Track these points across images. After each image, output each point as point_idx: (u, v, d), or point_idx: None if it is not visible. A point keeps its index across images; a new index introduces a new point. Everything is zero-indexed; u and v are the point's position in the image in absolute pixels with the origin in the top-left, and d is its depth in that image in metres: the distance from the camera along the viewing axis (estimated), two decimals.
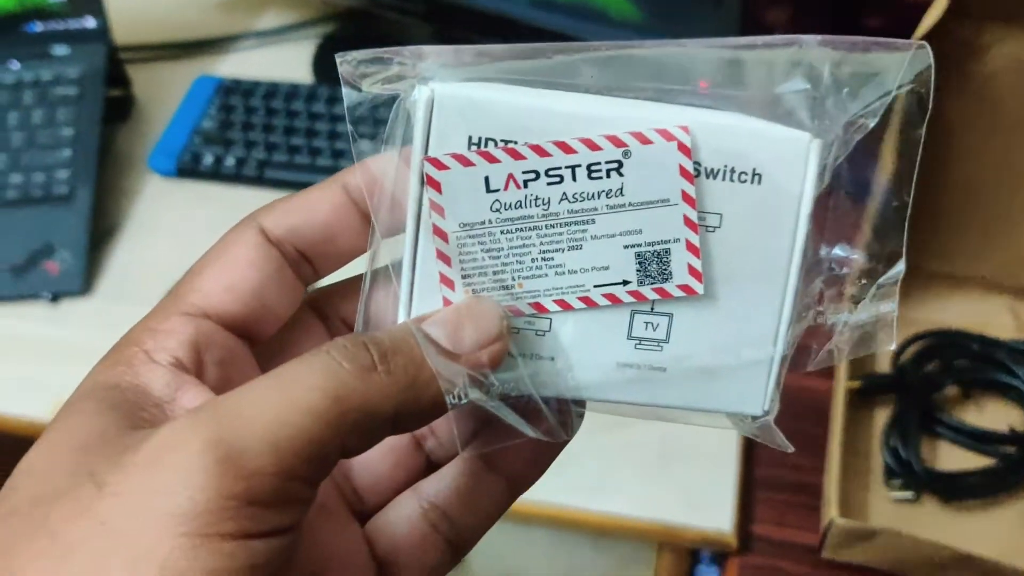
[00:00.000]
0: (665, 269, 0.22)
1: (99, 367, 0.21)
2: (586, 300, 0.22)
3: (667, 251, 0.22)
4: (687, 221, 0.22)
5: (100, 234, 0.73)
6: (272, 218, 0.22)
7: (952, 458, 0.56)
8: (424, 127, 0.21)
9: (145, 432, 0.18)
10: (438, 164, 0.21)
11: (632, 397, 0.23)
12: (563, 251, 0.22)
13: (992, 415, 0.57)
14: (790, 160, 0.22)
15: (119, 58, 0.81)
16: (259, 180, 0.75)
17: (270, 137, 0.75)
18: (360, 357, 0.19)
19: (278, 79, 0.82)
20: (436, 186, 0.21)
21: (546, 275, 0.22)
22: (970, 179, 0.54)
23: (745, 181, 0.22)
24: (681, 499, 0.55)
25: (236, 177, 0.75)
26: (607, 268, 0.22)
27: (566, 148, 0.21)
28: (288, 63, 0.86)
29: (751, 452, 0.58)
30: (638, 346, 0.23)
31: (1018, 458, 0.53)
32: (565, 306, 0.22)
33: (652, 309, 0.23)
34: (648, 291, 0.22)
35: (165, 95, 0.84)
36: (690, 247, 0.22)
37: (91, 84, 0.75)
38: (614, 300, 0.22)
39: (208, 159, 0.73)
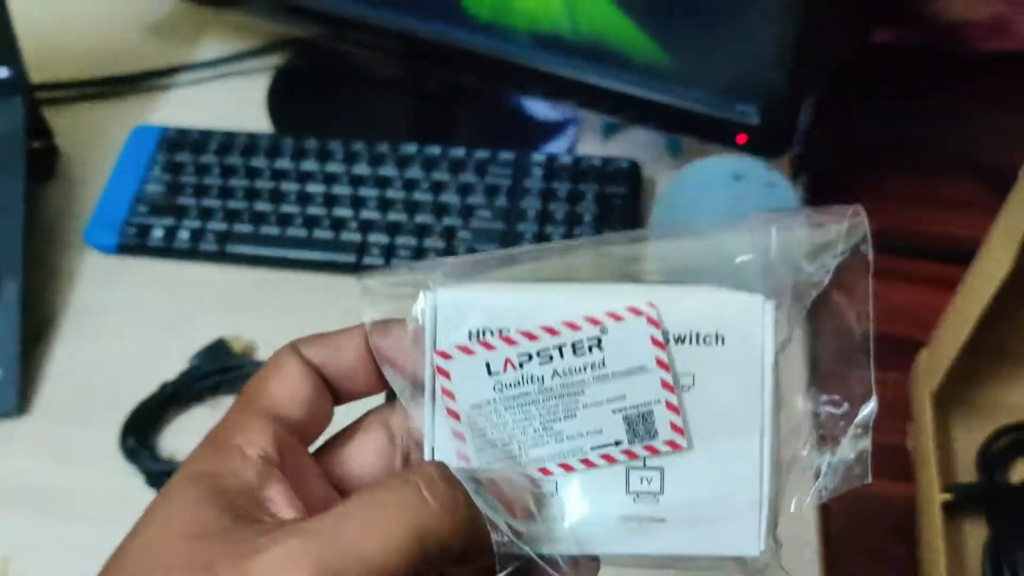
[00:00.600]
0: (651, 428, 0.26)
1: (193, 458, 0.26)
2: (586, 462, 0.26)
3: (650, 412, 0.26)
4: (664, 384, 0.26)
5: (33, 333, 0.67)
6: (310, 349, 0.27)
7: None
8: (431, 327, 0.26)
9: (259, 537, 0.23)
10: (445, 355, 0.26)
11: (639, 548, 0.26)
12: (560, 420, 0.26)
13: None
14: (748, 321, 0.26)
15: (37, 101, 0.67)
16: (220, 256, 0.71)
17: (229, 203, 0.73)
18: (446, 496, 0.23)
19: (230, 125, 0.78)
20: (446, 374, 0.26)
21: (548, 443, 0.26)
22: None
23: (711, 344, 0.26)
24: None
25: (192, 253, 0.72)
26: (600, 431, 0.26)
27: (551, 331, 0.26)
28: (237, 102, 0.76)
29: None
30: (636, 500, 0.26)
31: None
32: (568, 468, 0.26)
33: (644, 465, 0.26)
34: (639, 449, 0.26)
35: (95, 144, 0.74)
36: (670, 407, 0.26)
37: (9, 147, 0.62)
38: (610, 460, 0.26)
39: (157, 232, 0.65)
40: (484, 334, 0.26)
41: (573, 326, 0.26)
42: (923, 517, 0.55)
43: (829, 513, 0.58)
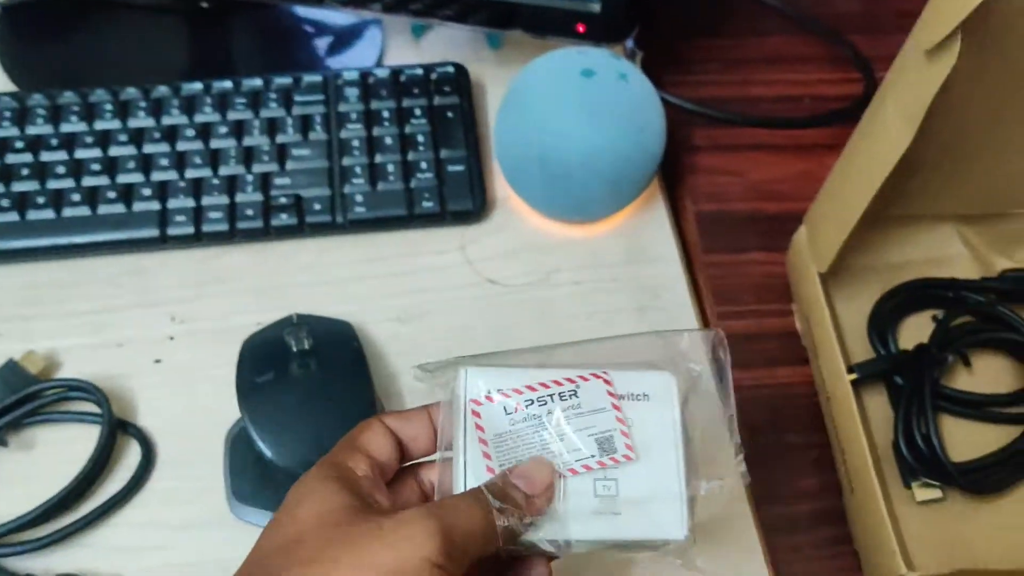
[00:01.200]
0: (612, 446, 0.38)
1: (318, 470, 0.37)
2: (572, 470, 0.38)
3: (611, 436, 0.38)
4: (618, 419, 0.39)
5: None
6: (389, 419, 0.39)
7: (960, 436, 0.54)
8: (463, 388, 0.39)
9: (393, 514, 0.34)
10: (477, 402, 0.39)
11: (603, 534, 0.37)
12: (554, 442, 0.38)
13: (983, 374, 0.56)
14: (663, 387, 0.40)
15: None
16: None
17: None
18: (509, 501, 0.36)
19: None
20: (478, 415, 0.38)
21: (551, 457, 0.38)
22: (956, 128, 0.51)
23: (640, 399, 0.39)
24: None
25: None
26: (580, 449, 0.38)
27: (545, 385, 0.39)
28: None
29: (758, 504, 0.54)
30: (601, 500, 0.38)
31: None
32: (559, 476, 0.38)
33: (606, 476, 0.38)
34: (607, 460, 0.38)
35: None
36: (623, 433, 0.38)
37: None
38: (588, 468, 0.38)
39: None
40: (500, 391, 0.39)
41: (558, 383, 0.39)
42: (832, 401, 0.53)
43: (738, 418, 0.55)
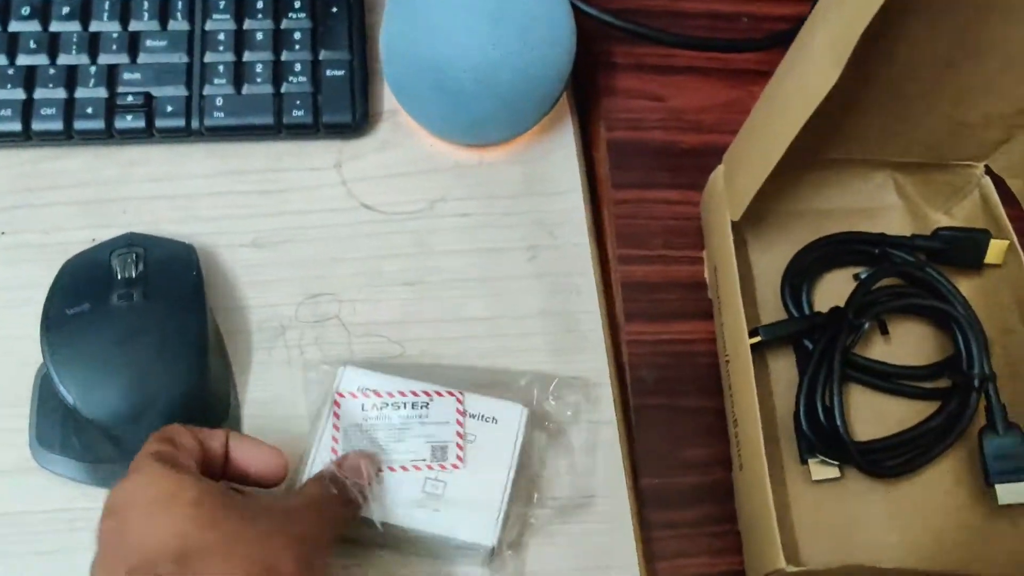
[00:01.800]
0: (444, 454, 0.43)
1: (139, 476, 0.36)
2: (403, 467, 0.43)
3: (446, 446, 0.44)
4: (457, 433, 0.44)
5: None
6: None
7: (868, 408, 0.50)
8: (337, 381, 0.45)
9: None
10: (341, 395, 0.44)
11: (420, 525, 0.42)
12: (395, 442, 0.44)
13: (902, 343, 0.51)
14: (511, 416, 0.45)
15: None
16: None
17: None
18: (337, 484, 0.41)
19: None
20: (338, 405, 0.44)
21: (387, 453, 0.43)
22: (901, 67, 0.45)
23: (489, 422, 0.45)
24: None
25: None
26: (415, 452, 0.44)
27: (403, 394, 0.45)
28: None
29: (635, 473, 0.49)
30: (427, 496, 0.43)
31: (956, 403, 0.48)
32: (392, 469, 0.43)
33: (437, 477, 0.43)
34: (436, 465, 0.43)
35: None
36: (459, 446, 0.44)
37: None
38: (417, 468, 0.43)
39: None
40: (365, 391, 0.45)
41: (415, 393, 0.45)
42: (731, 364, 0.48)
43: (625, 367, 0.50)
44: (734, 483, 0.47)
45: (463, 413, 0.45)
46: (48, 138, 0.50)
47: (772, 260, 0.53)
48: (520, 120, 0.51)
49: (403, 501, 0.42)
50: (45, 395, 0.42)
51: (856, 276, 0.52)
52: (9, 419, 0.44)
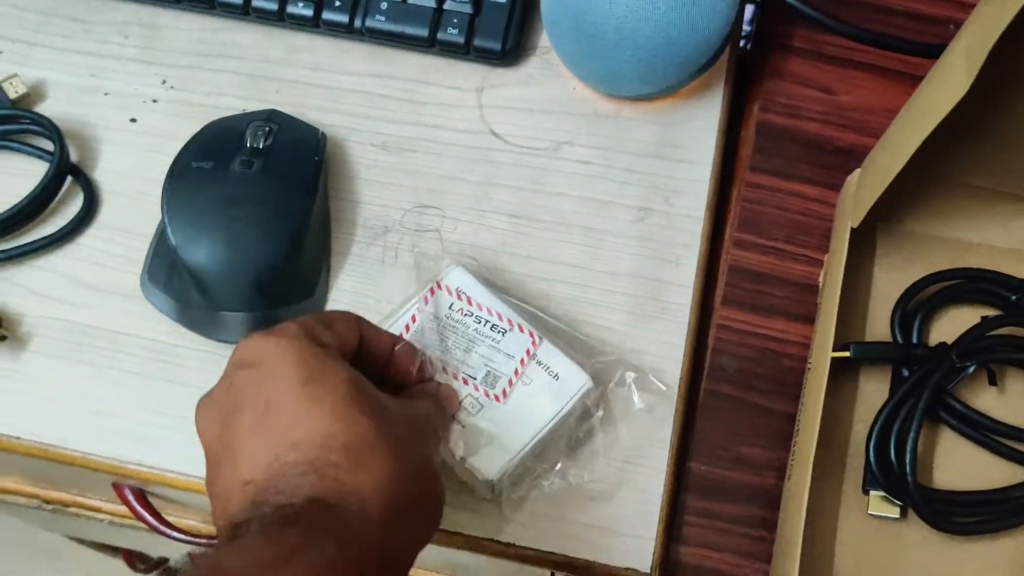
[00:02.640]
0: (495, 383, 0.44)
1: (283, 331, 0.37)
2: (455, 375, 0.44)
3: (499, 375, 0.44)
4: (515, 371, 0.45)
5: None
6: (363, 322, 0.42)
7: (957, 456, 0.46)
8: (443, 272, 0.46)
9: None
10: (439, 286, 0.46)
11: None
12: (458, 349, 0.45)
13: (1017, 399, 0.47)
14: (573, 381, 0.45)
15: None
16: None
17: None
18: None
19: None
20: (432, 293, 0.45)
21: (444, 353, 0.44)
22: None
23: (551, 375, 0.45)
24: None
25: None
26: (471, 367, 0.45)
27: (490, 312, 0.45)
28: None
29: (688, 456, 0.49)
30: (462, 412, 0.44)
31: None
32: (445, 371, 0.44)
33: (477, 399, 0.44)
34: (482, 388, 0.44)
35: None
36: (510, 382, 0.44)
37: None
38: (465, 383, 0.44)
39: None
40: (460, 293, 0.46)
41: (500, 317, 0.45)
42: (810, 373, 0.46)
43: (707, 349, 0.49)
44: (783, 492, 0.46)
45: (531, 356, 0.45)
46: (228, 10, 0.54)
47: (898, 280, 0.49)
48: (656, 79, 0.50)
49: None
50: (161, 236, 0.47)
51: (984, 318, 0.48)
52: (136, 250, 0.49)
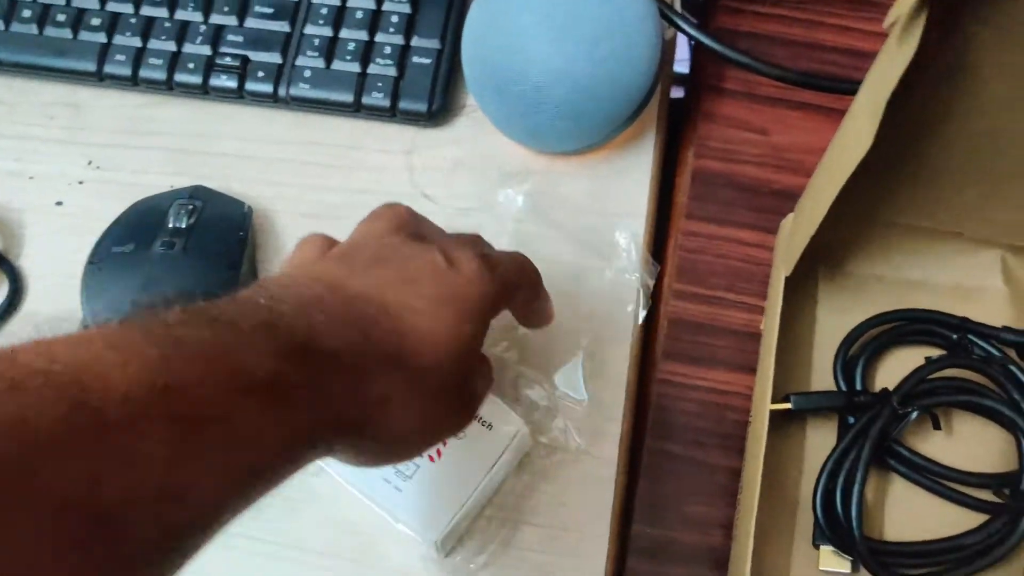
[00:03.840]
0: None
1: None
2: None
3: None
4: None
5: None
6: None
7: (907, 503, 0.46)
8: None
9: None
10: None
11: (377, 498, 0.43)
12: None
13: (967, 442, 0.47)
14: (507, 429, 0.44)
15: None
16: None
17: None
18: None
19: None
20: None
21: None
22: (985, 132, 0.41)
23: (484, 425, 0.44)
24: None
25: None
26: None
27: None
28: None
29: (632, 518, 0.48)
30: (395, 474, 0.43)
31: (1003, 523, 0.43)
32: None
33: (411, 461, 0.43)
34: None
35: None
36: (443, 441, 0.43)
37: None
38: None
39: None
40: None
41: None
42: (751, 427, 0.45)
43: (650, 406, 0.49)
44: (731, 552, 0.45)
45: None
46: (152, 85, 0.54)
47: (841, 324, 0.49)
48: (582, 135, 0.50)
49: (371, 472, 0.43)
50: (85, 321, 0.47)
51: (928, 358, 0.47)
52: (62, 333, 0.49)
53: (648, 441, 0.48)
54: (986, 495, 0.45)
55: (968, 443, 0.46)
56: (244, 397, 0.27)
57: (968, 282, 0.49)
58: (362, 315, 0.33)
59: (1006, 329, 0.47)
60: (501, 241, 0.51)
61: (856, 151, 0.35)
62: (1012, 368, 0.45)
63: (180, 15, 0.54)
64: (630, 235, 0.51)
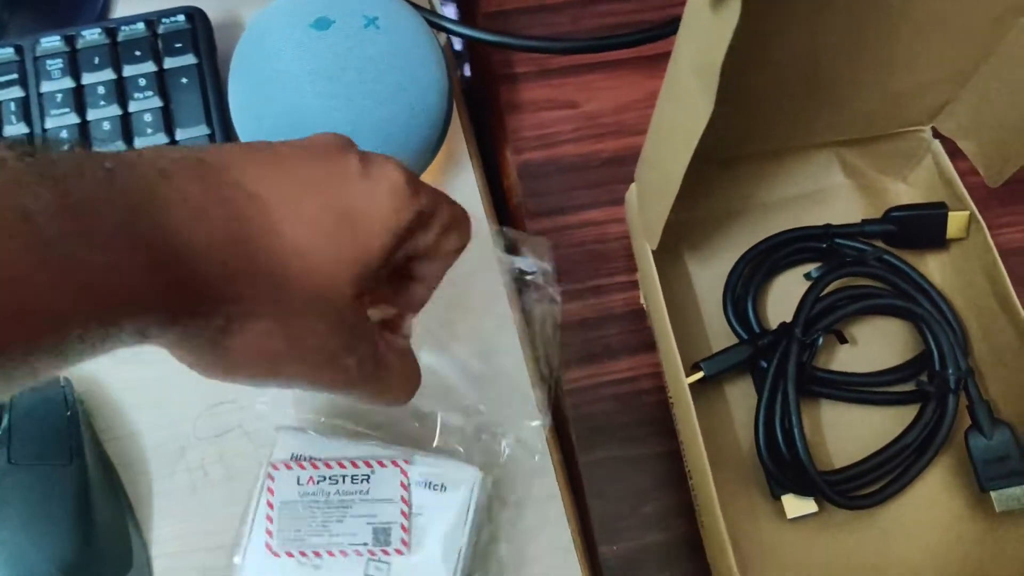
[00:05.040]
0: (388, 538, 0.40)
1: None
2: (343, 552, 0.40)
3: (389, 528, 0.40)
4: (403, 512, 0.41)
5: None
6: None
7: (844, 423, 0.46)
8: (272, 449, 0.42)
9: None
10: (275, 467, 0.42)
11: None
12: (333, 522, 0.41)
13: (871, 342, 0.48)
14: (463, 482, 0.42)
15: None
16: None
17: None
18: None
19: None
20: (272, 479, 0.41)
21: (323, 535, 0.40)
22: (801, 50, 0.41)
23: (437, 490, 0.41)
24: None
25: None
26: (356, 535, 0.40)
27: (342, 464, 0.42)
28: None
29: (590, 544, 0.46)
30: None
31: (933, 410, 0.45)
32: (331, 554, 0.40)
33: (380, 560, 0.40)
34: (378, 551, 0.40)
35: None
36: (403, 528, 0.40)
37: None
38: (359, 554, 0.40)
39: None
40: (300, 460, 0.42)
41: (355, 464, 0.42)
42: (676, 407, 0.44)
43: (569, 421, 0.47)
44: (702, 539, 0.44)
45: (407, 487, 0.41)
46: None
47: (715, 271, 0.49)
48: None
49: None
50: None
51: (807, 275, 0.47)
52: None
53: (580, 457, 0.46)
54: (909, 388, 0.46)
55: (873, 345, 0.47)
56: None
57: (815, 186, 0.50)
58: (231, 213, 0.27)
59: (865, 222, 0.48)
60: None
61: (696, 123, 0.34)
62: (887, 258, 0.46)
63: None
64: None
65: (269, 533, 0.41)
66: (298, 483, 0.41)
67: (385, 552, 0.40)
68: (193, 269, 0.26)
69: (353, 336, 0.31)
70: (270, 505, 0.41)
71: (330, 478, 0.41)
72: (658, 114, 0.39)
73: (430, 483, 0.41)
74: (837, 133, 0.48)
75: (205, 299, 0.26)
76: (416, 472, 0.41)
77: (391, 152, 0.44)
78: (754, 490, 0.45)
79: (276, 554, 0.40)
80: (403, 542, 0.40)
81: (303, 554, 0.40)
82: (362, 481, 0.41)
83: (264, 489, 0.42)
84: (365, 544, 0.40)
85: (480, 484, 0.42)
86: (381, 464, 0.42)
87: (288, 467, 0.42)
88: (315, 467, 0.42)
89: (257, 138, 0.45)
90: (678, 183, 0.37)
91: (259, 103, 0.43)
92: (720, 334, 0.47)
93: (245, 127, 0.45)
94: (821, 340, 0.44)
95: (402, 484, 0.41)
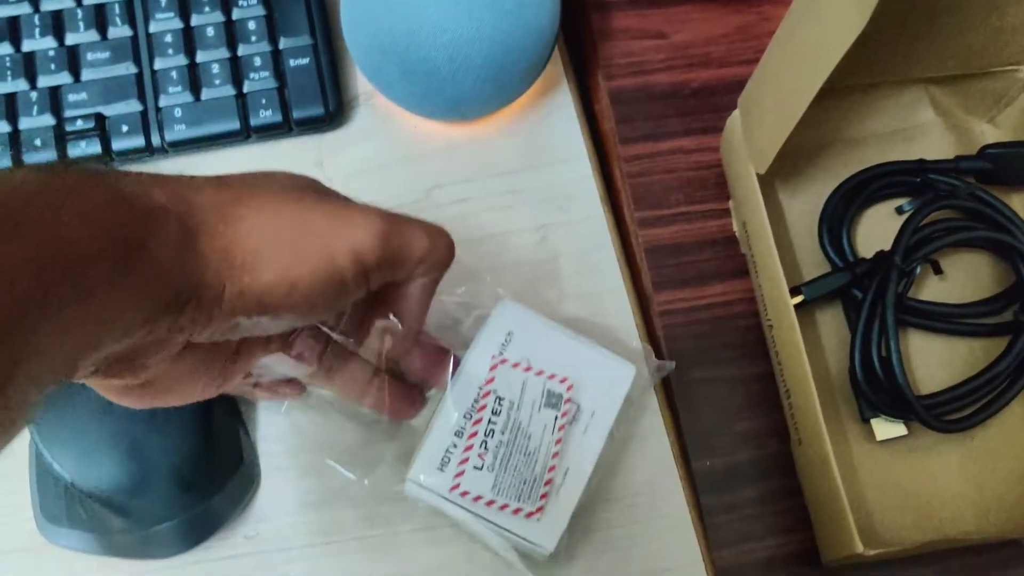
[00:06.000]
0: (559, 403, 0.42)
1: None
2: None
3: (559, 397, 0.42)
4: (568, 387, 0.43)
5: None
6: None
7: (934, 354, 0.48)
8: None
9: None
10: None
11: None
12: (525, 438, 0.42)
13: (959, 277, 0.50)
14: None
15: None
16: None
17: None
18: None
19: None
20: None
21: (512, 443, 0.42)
22: None
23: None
24: None
25: None
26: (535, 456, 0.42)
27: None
28: None
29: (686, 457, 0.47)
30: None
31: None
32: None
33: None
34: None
35: None
36: (567, 400, 0.42)
37: None
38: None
39: None
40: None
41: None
42: (775, 330, 0.46)
43: (661, 342, 0.48)
44: (794, 457, 0.46)
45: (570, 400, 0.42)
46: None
47: (805, 202, 0.50)
48: (506, 92, 0.47)
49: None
50: (41, 469, 0.41)
51: (899, 209, 0.49)
52: (12, 496, 0.42)
53: (672, 375, 0.47)
54: (1001, 319, 0.47)
55: (966, 277, 0.49)
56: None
57: (904, 124, 0.52)
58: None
59: (960, 158, 0.50)
60: (451, 227, 0.48)
61: (842, 40, 0.35)
62: (980, 194, 0.48)
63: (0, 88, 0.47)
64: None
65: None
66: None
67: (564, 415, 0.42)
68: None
69: None
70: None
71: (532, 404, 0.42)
72: (786, 32, 0.40)
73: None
74: (932, 69, 0.49)
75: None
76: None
77: (505, 66, 0.45)
78: (843, 412, 0.47)
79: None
80: (565, 414, 0.42)
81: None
82: (554, 401, 0.42)
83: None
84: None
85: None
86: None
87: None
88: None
89: (369, 51, 0.46)
90: (804, 106, 0.38)
91: (376, 14, 0.44)
92: (810, 264, 0.49)
93: (356, 39, 0.46)
94: (919, 269, 0.46)
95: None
